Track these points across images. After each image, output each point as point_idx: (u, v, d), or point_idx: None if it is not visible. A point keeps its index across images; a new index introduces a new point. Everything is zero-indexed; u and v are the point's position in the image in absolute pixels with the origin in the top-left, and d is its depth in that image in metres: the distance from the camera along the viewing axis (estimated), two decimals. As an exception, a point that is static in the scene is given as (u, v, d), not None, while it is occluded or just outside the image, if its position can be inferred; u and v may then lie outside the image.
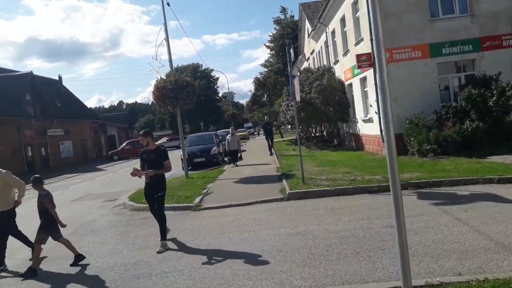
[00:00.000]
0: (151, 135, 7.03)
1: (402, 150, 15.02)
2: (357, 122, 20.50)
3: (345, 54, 21.43)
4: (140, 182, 16.92)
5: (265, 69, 57.97)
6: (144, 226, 8.37)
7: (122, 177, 20.52)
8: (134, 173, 6.69)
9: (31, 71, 34.52)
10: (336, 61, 24.17)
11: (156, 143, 7.28)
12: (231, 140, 17.48)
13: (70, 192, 16.51)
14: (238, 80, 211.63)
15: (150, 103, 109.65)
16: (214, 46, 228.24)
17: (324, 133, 28.40)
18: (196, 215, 8.83)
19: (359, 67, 16.78)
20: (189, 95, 13.53)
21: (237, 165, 17.00)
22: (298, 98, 10.25)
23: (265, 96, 43.62)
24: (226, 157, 18.71)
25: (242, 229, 7.01)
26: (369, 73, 17.31)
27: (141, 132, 6.96)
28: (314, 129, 25.43)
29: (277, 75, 45.18)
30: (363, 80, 18.92)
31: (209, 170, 16.94)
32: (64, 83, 46.38)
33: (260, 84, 42.44)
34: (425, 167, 10.94)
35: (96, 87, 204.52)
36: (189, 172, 15.77)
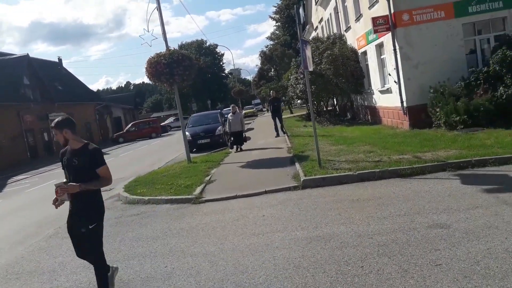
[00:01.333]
0: (70, 126, 3.97)
1: (425, 122, 13.55)
2: (373, 94, 18.90)
3: (357, 19, 19.64)
4: (144, 166, 15.89)
5: (272, 42, 55.79)
6: (134, 226, 7.07)
7: (124, 162, 19.33)
8: (56, 197, 3.88)
9: (27, 54, 33.14)
10: (348, 28, 22.35)
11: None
12: (232, 120, 14.87)
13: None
14: (244, 56, 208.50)
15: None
16: (218, 22, 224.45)
17: (336, 107, 26.79)
18: (196, 209, 7.50)
19: (375, 31, 15.11)
20: (186, 70, 12.06)
21: (241, 149, 14.82)
22: (310, 68, 8.74)
23: (272, 70, 41.73)
24: (228, 140, 15.82)
25: (248, 231, 5.65)
26: (386, 38, 15.62)
27: (52, 124, 4.04)
28: (325, 103, 23.80)
29: (284, 47, 43.17)
30: (379, 47, 17.23)
31: (214, 152, 15.59)
32: (70, 66, 45.27)
33: (266, 57, 40.53)
34: (460, 143, 9.43)
35: (103, 69, 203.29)
36: (193, 155, 14.47)
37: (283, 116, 21.19)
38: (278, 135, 17.70)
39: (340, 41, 22.43)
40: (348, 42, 22.02)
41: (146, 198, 8.79)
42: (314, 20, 33.36)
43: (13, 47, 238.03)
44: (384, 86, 17.23)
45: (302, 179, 7.89)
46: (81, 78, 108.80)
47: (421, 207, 5.53)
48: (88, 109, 42.71)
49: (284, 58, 38.71)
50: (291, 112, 37.76)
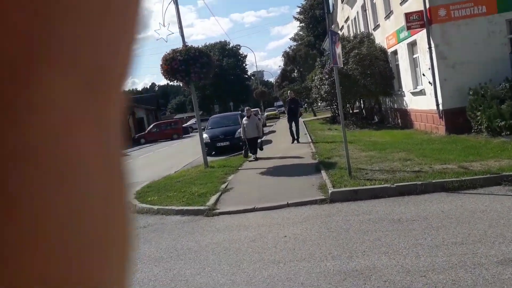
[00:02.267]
0: None
1: (464, 127, 12.32)
2: (404, 96, 17.68)
3: (387, 16, 18.47)
4: (160, 170, 15.09)
5: (295, 43, 54.76)
6: (138, 242, 6.19)
7: (141, 165, 18.65)
8: None
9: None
10: (376, 27, 21.16)
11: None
12: (247, 124, 12.65)
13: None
14: (267, 58, 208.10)
15: (181, 84, 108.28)
16: (242, 24, 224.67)
17: (363, 109, 25.54)
18: (208, 223, 6.58)
19: (408, 28, 13.95)
20: (203, 67, 11.20)
21: (257, 158, 12.63)
22: (340, 63, 7.70)
23: (296, 71, 40.66)
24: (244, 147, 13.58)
25: (267, 257, 4.68)
26: (419, 36, 14.44)
27: None
28: (352, 106, 22.63)
29: (308, 48, 42.06)
30: (412, 45, 16.05)
31: (233, 156, 14.67)
32: None
33: (289, 58, 39.45)
34: (511, 151, 8.24)
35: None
36: (211, 159, 13.59)
37: (303, 120, 19.58)
38: (294, 140, 15.83)
39: (368, 40, 21.26)
40: (377, 41, 20.83)
41: (156, 207, 7.93)
42: (340, 20, 32.17)
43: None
44: (416, 88, 16.03)
45: (330, 191, 6.87)
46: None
47: (481, 232, 4.45)
48: (110, 110, 42.38)
49: (308, 59, 37.60)
50: (315, 115, 36.59)
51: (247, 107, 14.12)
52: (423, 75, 14.44)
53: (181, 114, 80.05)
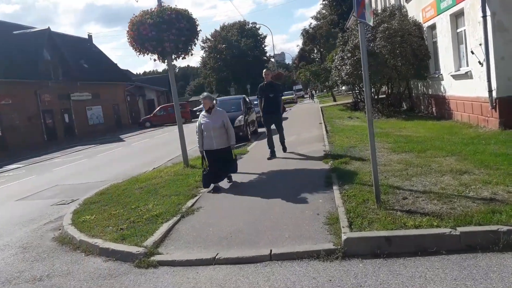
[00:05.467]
0: None
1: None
2: (442, 79, 14.54)
3: (425, -17, 15.23)
4: (138, 164, 12.46)
5: (317, 23, 50.80)
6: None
7: (125, 155, 16.08)
8: None
9: (48, 27, 30.44)
10: (410, -3, 17.88)
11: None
12: (206, 125, 7.09)
13: (42, 179, 12.17)
14: (289, 41, 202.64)
15: (199, 66, 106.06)
16: (265, 6, 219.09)
17: (390, 95, 22.26)
18: (135, 285, 3.85)
19: (457, -9, 10.81)
20: (181, 35, 8.37)
21: (231, 181, 7.30)
22: (369, 19, 4.69)
23: (315, 51, 37.14)
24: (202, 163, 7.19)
25: None
26: (469, 3, 11.34)
27: None
28: (377, 90, 19.40)
29: (330, 26, 38.36)
30: (456, 17, 12.87)
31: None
32: (120, 48, 42.82)
33: (309, 37, 35.94)
34: None
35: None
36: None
37: (321, 105, 15.37)
38: (272, 155, 9.48)
39: (400, 13, 17.96)
40: (410, 15, 17.53)
41: (79, 239, 5.24)
42: (366, -7, 28.61)
43: (69, 28, 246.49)
44: (459, 69, 12.91)
45: (344, 237, 4.00)
46: (128, 60, 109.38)
47: None
48: (117, 90, 40.07)
49: (330, 38, 34.09)
50: (334, 100, 33.26)
51: (205, 94, 7.32)
52: (472, 52, 11.30)
53: (196, 96, 77.24)
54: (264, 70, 10.03)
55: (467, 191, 4.90)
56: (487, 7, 10.17)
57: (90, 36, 41.62)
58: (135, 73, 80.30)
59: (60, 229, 6.12)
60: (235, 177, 7.41)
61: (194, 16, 8.97)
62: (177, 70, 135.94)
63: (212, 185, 6.96)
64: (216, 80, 76.75)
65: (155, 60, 9.22)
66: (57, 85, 30.25)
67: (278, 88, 10.07)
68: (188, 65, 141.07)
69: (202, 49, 76.79)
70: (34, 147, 24.64)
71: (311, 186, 6.16)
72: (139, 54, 8.89)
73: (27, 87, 27.14)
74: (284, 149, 9.92)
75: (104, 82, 37.35)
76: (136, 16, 8.59)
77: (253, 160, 9.38)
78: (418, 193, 5.03)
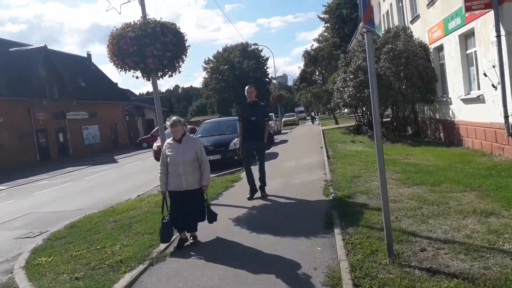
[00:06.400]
0: None
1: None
2: (450, 103, 13.68)
3: (430, 3, 14.54)
4: (122, 191, 11.47)
5: (319, 45, 50.54)
6: None
7: (112, 179, 15.12)
8: None
9: (45, 45, 29.92)
10: (415, 18, 17.20)
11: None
12: (172, 157, 5.28)
13: (20, 204, 11.22)
14: (291, 64, 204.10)
15: (201, 87, 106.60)
16: (269, 29, 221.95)
17: (394, 118, 21.40)
18: None
19: (467, 9, 10.09)
20: (167, 50, 7.52)
21: (196, 241, 5.32)
22: (380, 32, 3.77)
23: (317, 73, 36.59)
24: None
25: None
26: (480, 22, 10.56)
27: None
28: (381, 113, 18.54)
29: (332, 48, 37.89)
30: (466, 37, 12.09)
31: (221, 176, 10.89)
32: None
33: (310, 58, 35.42)
34: None
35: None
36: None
37: (322, 127, 14.34)
38: (253, 193, 7.76)
39: (405, 34, 17.26)
40: (415, 36, 16.83)
41: (21, 290, 4.28)
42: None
43: (73, 48, 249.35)
44: (469, 93, 12.06)
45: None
46: (132, 80, 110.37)
47: None
48: (115, 109, 39.35)
49: (332, 60, 33.55)
50: (336, 123, 32.43)
51: (175, 118, 5.52)
52: (485, 75, 10.44)
53: (198, 117, 76.75)
54: (247, 87, 8.14)
55: (500, 242, 3.95)
56: (501, 26, 9.39)
57: (89, 55, 41.22)
58: (138, 93, 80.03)
59: (12, 273, 5.16)
60: (238, 198, 6.45)
61: (182, 31, 8.12)
62: (180, 91, 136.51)
63: (175, 235, 5.33)
64: (218, 101, 76.54)
65: (137, 77, 8.32)
66: (52, 103, 29.56)
67: (263, 110, 8.15)
68: (191, 86, 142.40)
69: (204, 70, 76.92)
70: (25, 167, 23.71)
71: (308, 227, 5.18)
72: (121, 71, 8.00)
73: (20, 105, 26.42)
74: (263, 191, 7.75)
75: (102, 101, 36.68)
76: (117, 29, 7.75)
77: (244, 189, 8.37)
78: (439, 243, 4.07)
